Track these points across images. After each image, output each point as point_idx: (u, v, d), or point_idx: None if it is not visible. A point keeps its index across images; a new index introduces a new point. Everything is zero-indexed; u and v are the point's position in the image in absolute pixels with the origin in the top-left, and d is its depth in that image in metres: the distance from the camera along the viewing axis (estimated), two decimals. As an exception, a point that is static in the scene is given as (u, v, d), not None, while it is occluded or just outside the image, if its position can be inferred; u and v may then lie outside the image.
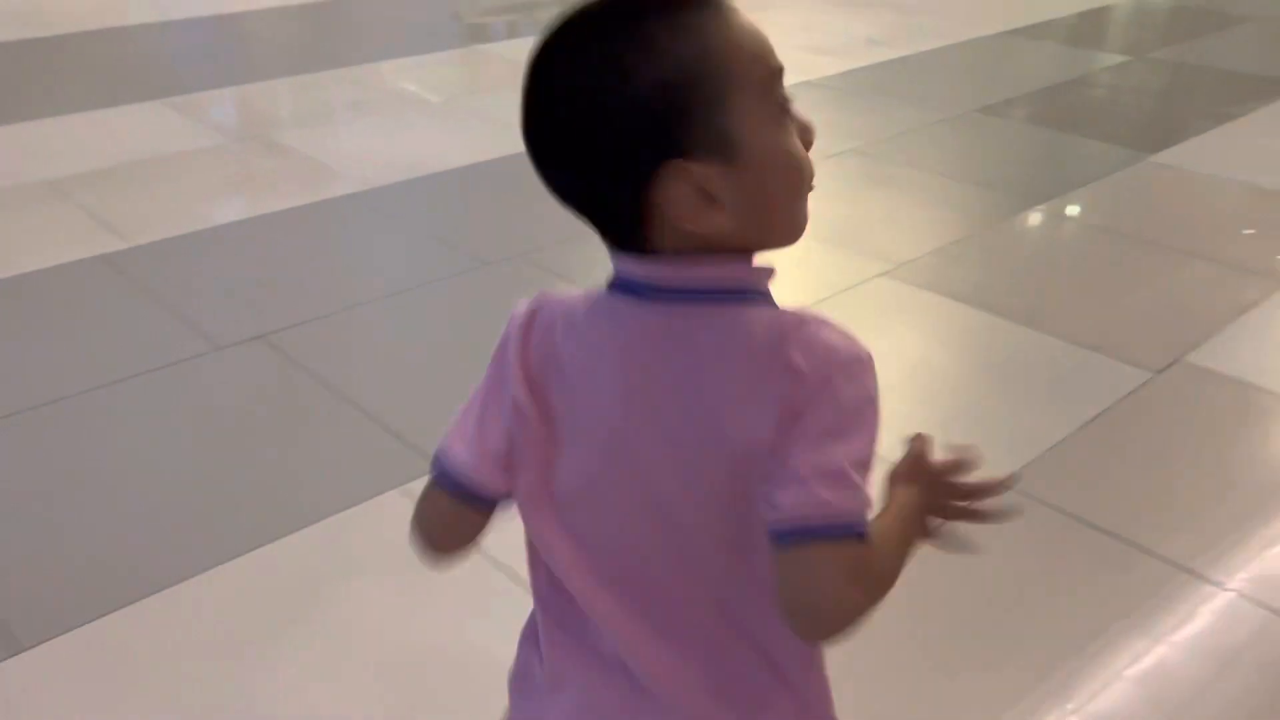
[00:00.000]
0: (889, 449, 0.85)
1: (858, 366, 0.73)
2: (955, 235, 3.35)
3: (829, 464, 0.70)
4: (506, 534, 0.89)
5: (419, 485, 0.88)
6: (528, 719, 0.91)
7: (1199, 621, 1.84)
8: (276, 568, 1.93)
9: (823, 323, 0.74)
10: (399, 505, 1.97)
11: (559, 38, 0.73)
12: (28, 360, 2.61)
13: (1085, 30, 6.31)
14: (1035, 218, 3.49)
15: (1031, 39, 5.89)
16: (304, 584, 1.89)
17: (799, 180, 0.76)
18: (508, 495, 0.83)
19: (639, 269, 0.76)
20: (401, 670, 1.71)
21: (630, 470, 0.78)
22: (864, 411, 0.73)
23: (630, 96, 0.69)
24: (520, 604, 0.93)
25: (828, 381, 0.72)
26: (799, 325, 0.74)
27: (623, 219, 0.74)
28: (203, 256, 3.18)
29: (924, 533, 0.85)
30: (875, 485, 0.76)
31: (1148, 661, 1.75)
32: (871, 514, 0.73)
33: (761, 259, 0.77)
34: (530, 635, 0.90)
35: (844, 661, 0.94)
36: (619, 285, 0.78)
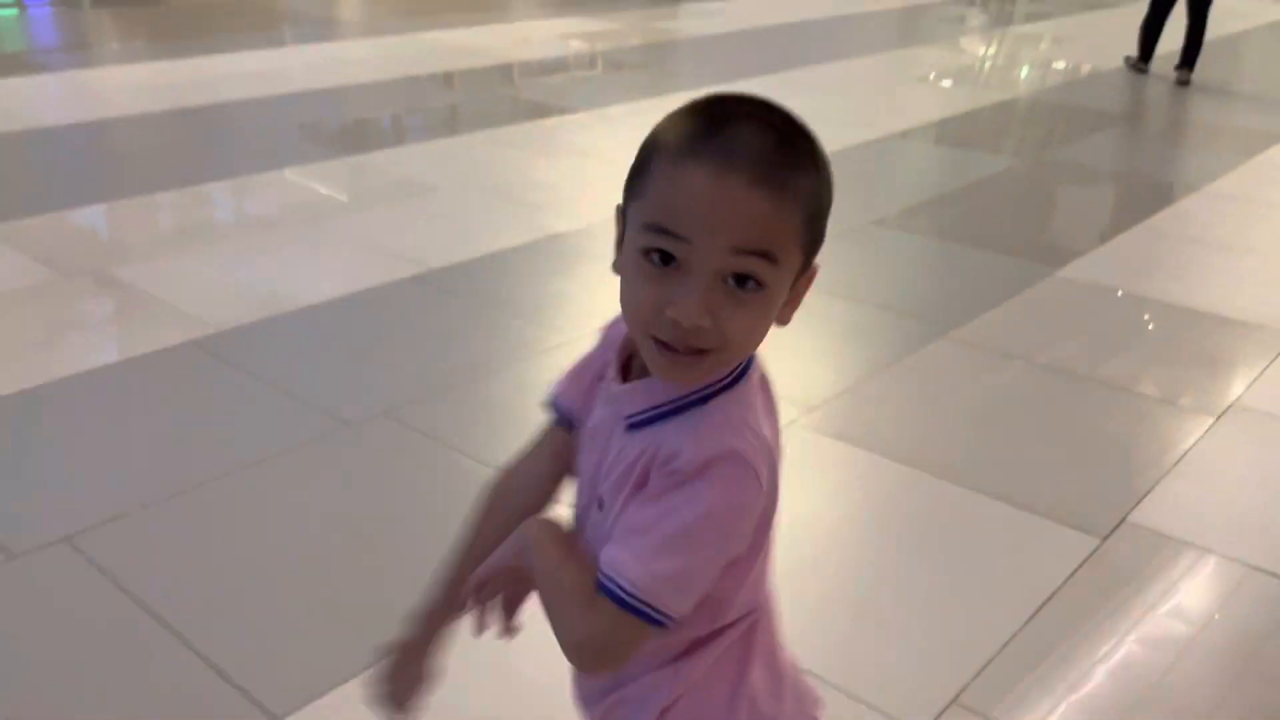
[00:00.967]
0: None
1: None
2: (864, 371, 3.09)
3: None
4: None
5: None
6: None
7: None
8: None
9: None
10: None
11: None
12: None
13: (965, 133, 6.29)
14: (947, 349, 3.26)
15: (914, 143, 5.83)
16: None
17: (632, 319, 0.86)
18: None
19: None
20: None
21: None
22: None
23: None
24: None
25: None
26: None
27: None
28: (4, 431, 2.69)
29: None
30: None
31: None
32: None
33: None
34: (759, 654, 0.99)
35: None
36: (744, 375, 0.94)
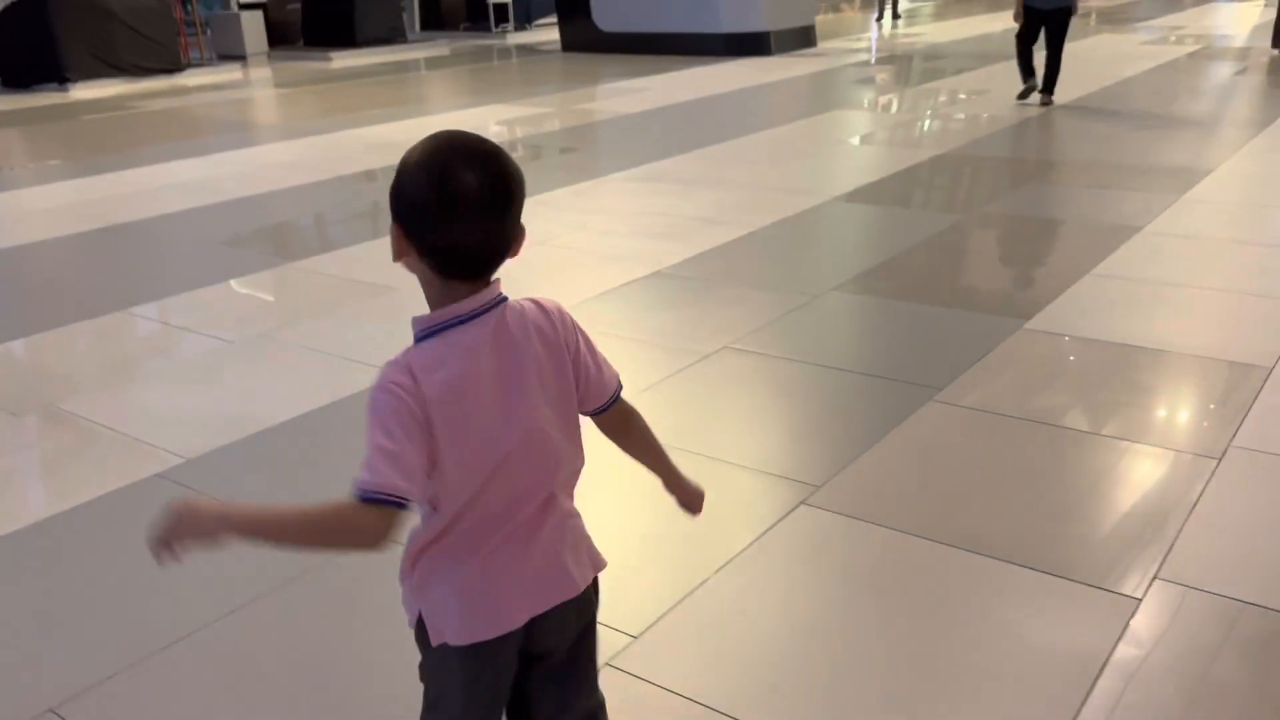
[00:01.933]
0: None
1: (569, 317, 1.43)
2: (863, 442, 3.04)
3: (601, 367, 1.49)
4: None
5: None
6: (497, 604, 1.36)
7: None
8: None
9: (553, 303, 1.43)
10: None
11: (481, 142, 1.29)
12: None
13: (902, 192, 6.40)
14: (938, 413, 3.23)
15: (856, 206, 5.90)
16: None
17: None
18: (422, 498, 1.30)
19: (489, 294, 1.33)
20: None
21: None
22: (582, 335, 1.45)
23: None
24: None
25: (578, 335, 1.45)
26: (549, 308, 1.43)
27: (505, 253, 1.33)
28: (-36, 591, 2.49)
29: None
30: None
31: None
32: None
33: None
34: (452, 565, 1.35)
35: None
36: (458, 321, 1.30)
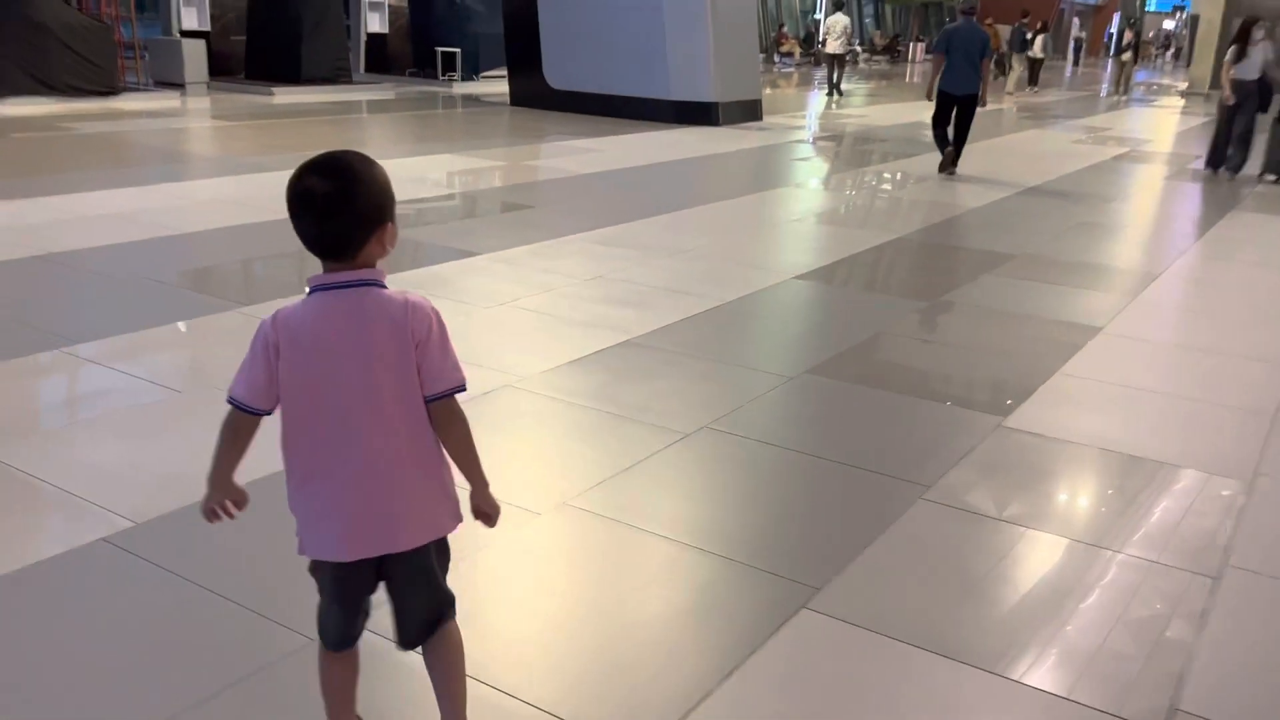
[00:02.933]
0: None
1: (434, 317, 1.75)
2: (859, 541, 2.94)
3: (442, 364, 1.74)
4: None
5: None
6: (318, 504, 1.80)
7: None
8: None
9: (414, 302, 1.74)
10: None
11: (338, 157, 1.70)
12: None
13: (861, 275, 6.43)
14: (929, 513, 3.16)
15: (814, 286, 5.90)
16: None
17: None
18: (269, 411, 1.76)
19: (353, 275, 1.72)
20: None
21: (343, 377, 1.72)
22: (442, 335, 1.76)
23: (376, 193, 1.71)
24: None
25: (428, 328, 1.73)
26: (406, 301, 1.73)
27: (355, 245, 1.70)
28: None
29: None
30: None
31: None
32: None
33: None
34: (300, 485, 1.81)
35: None
36: (323, 287, 1.72)
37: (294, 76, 15.60)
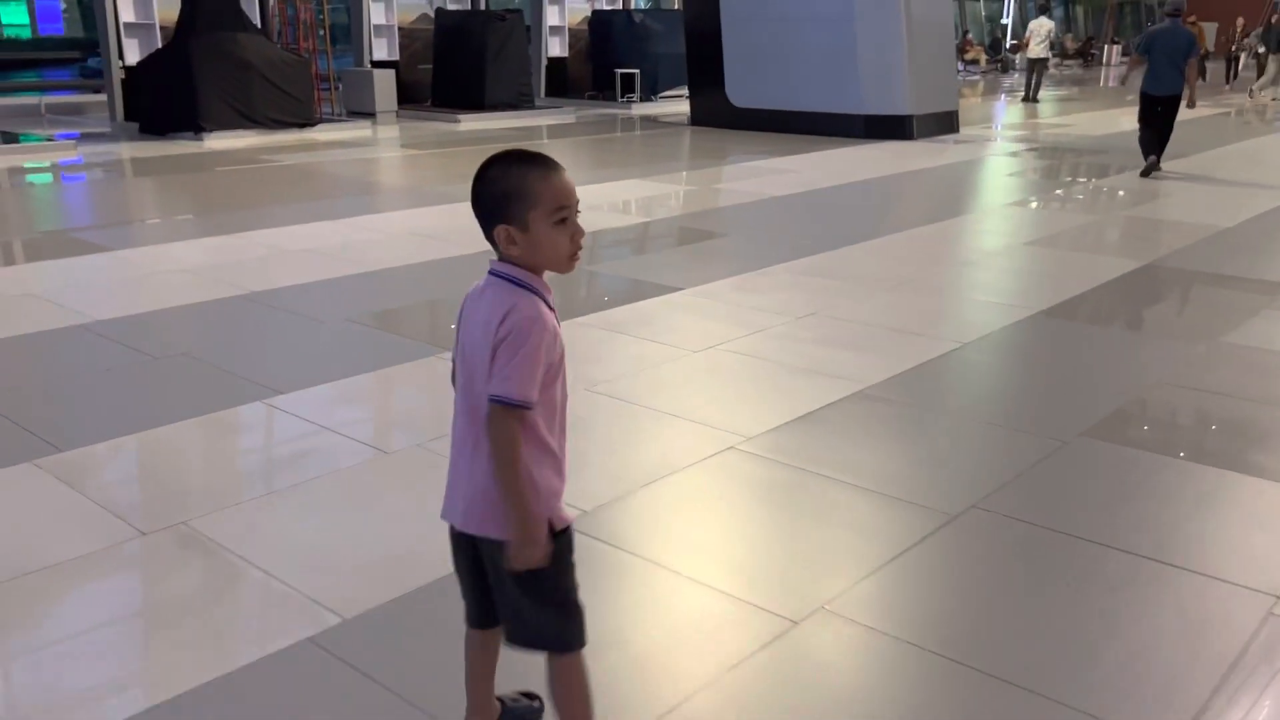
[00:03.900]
0: None
1: (522, 327, 1.72)
2: (1209, 680, 2.33)
3: (501, 368, 1.71)
4: None
5: None
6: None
7: None
8: None
9: (520, 307, 1.74)
10: None
11: (493, 155, 1.83)
12: None
13: (1122, 310, 5.67)
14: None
15: (1069, 323, 5.19)
16: None
17: (556, 255, 1.78)
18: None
19: (494, 263, 1.81)
20: None
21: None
22: (516, 345, 1.72)
23: (490, 194, 1.79)
24: None
25: (508, 331, 1.72)
26: (515, 304, 1.74)
27: (487, 238, 1.81)
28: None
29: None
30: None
31: None
32: (523, 395, 1.71)
33: (538, 277, 1.79)
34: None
35: None
36: (490, 273, 1.82)
37: (478, 103, 15.74)
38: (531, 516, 1.73)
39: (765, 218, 8.13)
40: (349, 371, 4.34)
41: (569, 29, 19.61)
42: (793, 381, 4.24)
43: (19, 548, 2.86)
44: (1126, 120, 11.57)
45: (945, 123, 13.65)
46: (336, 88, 15.75)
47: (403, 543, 2.90)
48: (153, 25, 13.77)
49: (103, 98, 14.77)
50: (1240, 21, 24.94)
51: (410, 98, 16.65)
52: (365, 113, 15.66)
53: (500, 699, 2.10)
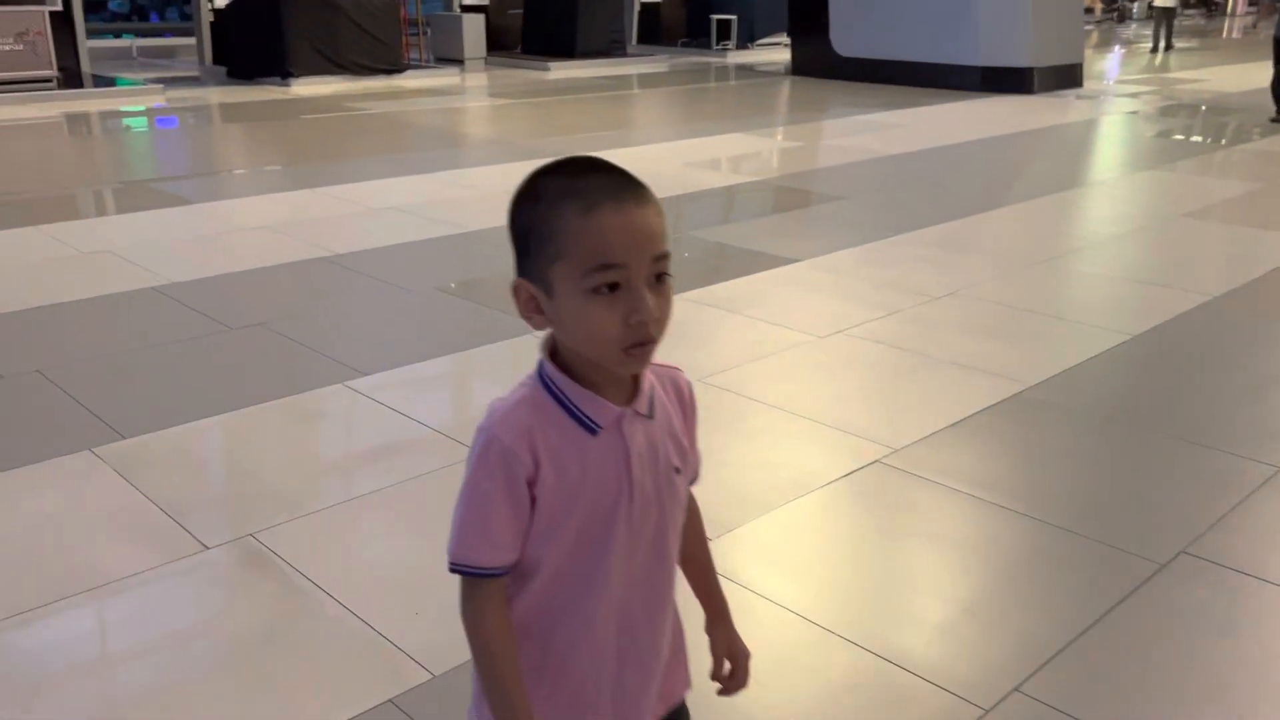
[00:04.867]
0: None
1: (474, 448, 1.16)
2: None
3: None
4: None
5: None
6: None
7: None
8: None
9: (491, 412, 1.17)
10: None
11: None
12: None
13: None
14: None
15: (1257, 310, 4.52)
16: None
17: (600, 343, 1.08)
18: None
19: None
20: None
21: None
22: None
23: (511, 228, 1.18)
24: None
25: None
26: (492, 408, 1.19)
27: None
28: None
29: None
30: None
31: None
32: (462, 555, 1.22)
33: (588, 369, 1.13)
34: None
35: None
36: None
37: (569, 51, 15.19)
38: None
39: (881, 179, 7.49)
40: (438, 350, 3.91)
41: (663, -27, 18.88)
42: (939, 377, 3.69)
43: (63, 560, 2.49)
44: (1266, 75, 10.53)
45: (1068, 76, 12.69)
46: (425, 33, 15.32)
47: (499, 575, 2.46)
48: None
49: (193, 40, 14.59)
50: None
51: (499, 44, 16.16)
52: (454, 59, 15.22)
53: None
